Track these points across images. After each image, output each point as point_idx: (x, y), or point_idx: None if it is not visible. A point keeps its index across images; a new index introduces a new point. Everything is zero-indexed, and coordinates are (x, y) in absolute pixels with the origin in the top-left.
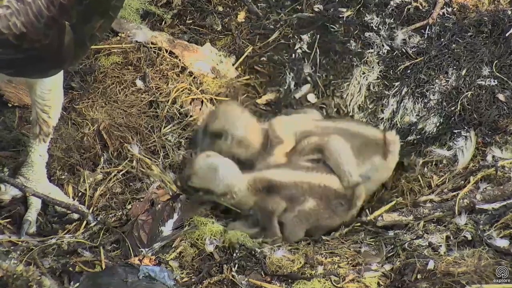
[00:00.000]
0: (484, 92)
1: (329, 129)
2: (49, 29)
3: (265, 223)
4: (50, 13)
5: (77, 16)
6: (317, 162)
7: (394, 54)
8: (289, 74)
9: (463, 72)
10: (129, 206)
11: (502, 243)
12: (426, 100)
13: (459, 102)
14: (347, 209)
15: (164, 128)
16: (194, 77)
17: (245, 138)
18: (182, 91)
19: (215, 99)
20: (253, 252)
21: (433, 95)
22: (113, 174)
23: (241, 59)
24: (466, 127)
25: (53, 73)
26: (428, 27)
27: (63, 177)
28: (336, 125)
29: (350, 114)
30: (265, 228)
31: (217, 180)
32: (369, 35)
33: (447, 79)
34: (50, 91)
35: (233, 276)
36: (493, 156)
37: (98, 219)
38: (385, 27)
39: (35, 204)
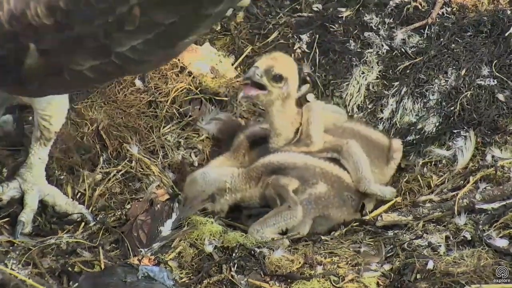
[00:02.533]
0: (483, 92)
1: (342, 128)
2: (6, 43)
3: (282, 195)
4: (12, 27)
5: (53, 43)
6: (331, 160)
7: (394, 54)
8: None
9: (463, 72)
10: (128, 206)
11: (502, 243)
12: (425, 100)
13: (459, 102)
14: (356, 208)
15: (163, 128)
16: (193, 77)
17: (293, 96)
18: (181, 91)
19: (214, 99)
20: (252, 252)
21: (433, 95)
22: (112, 174)
23: (240, 59)
24: (465, 127)
25: (20, 93)
26: (427, 27)
27: (62, 177)
28: (348, 125)
29: (350, 114)
30: (282, 205)
31: (205, 185)
32: (369, 35)
33: (447, 79)
34: (49, 104)
35: (232, 276)
36: (493, 156)
37: (97, 219)
38: (384, 27)
39: (30, 204)
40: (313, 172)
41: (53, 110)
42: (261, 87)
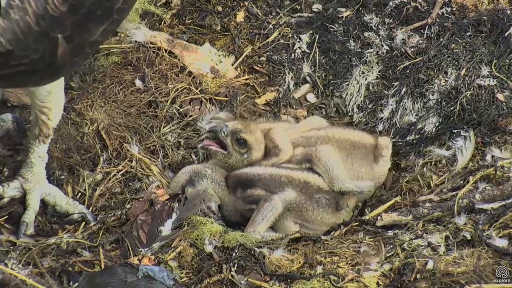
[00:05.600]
0: (483, 92)
1: (313, 138)
2: (39, 44)
3: (254, 201)
4: (40, 28)
5: (73, 26)
6: (304, 170)
7: (394, 54)
8: (289, 74)
9: (462, 72)
10: (129, 206)
11: (502, 243)
12: (425, 100)
13: (458, 102)
14: (333, 206)
15: (164, 128)
16: (194, 77)
17: (257, 161)
18: (181, 91)
19: (215, 99)
20: (252, 252)
21: (432, 95)
22: (112, 174)
23: (240, 59)
24: (465, 127)
25: (51, 81)
26: (427, 27)
27: (62, 177)
28: (321, 133)
29: (349, 114)
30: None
31: (182, 175)
32: (369, 35)
33: (446, 79)
34: (50, 93)
35: (232, 276)
36: (492, 156)
37: (98, 219)
38: (384, 27)
39: (33, 205)
40: (279, 181)
41: (53, 101)
42: (223, 146)
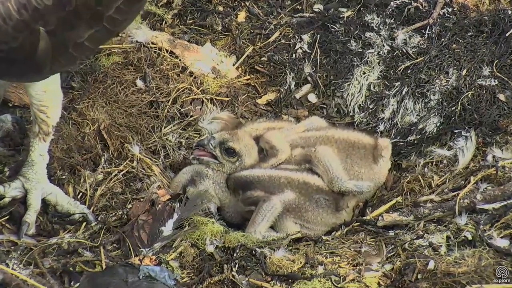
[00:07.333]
0: (484, 92)
1: (312, 138)
2: (19, 32)
3: (253, 203)
4: (21, 16)
5: (57, 22)
6: (304, 170)
7: (395, 54)
8: (290, 74)
9: (464, 72)
10: (130, 206)
11: (503, 243)
12: (426, 100)
13: (460, 102)
14: (333, 206)
15: (165, 128)
16: (195, 77)
17: (251, 166)
18: (182, 91)
19: (216, 99)
20: (253, 252)
21: (434, 95)
22: (113, 174)
23: (241, 59)
24: (466, 127)
25: (35, 78)
26: (428, 27)
27: (63, 177)
28: (320, 134)
29: (351, 114)
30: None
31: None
32: (370, 35)
33: (448, 79)
34: (45, 93)
35: (233, 276)
36: (494, 156)
37: (99, 219)
38: (385, 27)
39: (34, 205)
40: (278, 182)
41: (49, 99)
42: (214, 156)
